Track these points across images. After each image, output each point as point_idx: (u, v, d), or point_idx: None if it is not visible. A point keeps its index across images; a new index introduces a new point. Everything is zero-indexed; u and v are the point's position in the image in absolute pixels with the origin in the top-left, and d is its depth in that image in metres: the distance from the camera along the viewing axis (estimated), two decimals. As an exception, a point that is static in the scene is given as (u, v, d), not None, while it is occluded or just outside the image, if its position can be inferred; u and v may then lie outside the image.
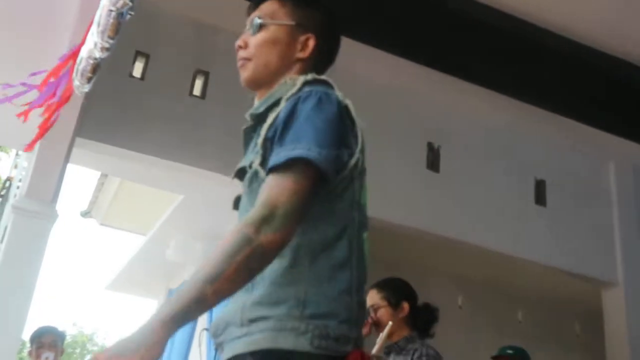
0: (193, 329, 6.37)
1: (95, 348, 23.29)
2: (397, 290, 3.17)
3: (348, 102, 1.50)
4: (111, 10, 2.64)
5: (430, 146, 5.25)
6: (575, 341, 7.48)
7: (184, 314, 1.23)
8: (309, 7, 1.65)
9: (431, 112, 5.31)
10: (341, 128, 1.42)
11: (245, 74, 1.62)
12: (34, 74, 3.57)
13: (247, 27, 1.66)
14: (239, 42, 1.64)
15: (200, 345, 4.93)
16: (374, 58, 4.74)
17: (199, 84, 4.83)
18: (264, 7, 1.66)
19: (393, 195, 4.90)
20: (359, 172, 1.47)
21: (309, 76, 1.50)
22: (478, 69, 4.83)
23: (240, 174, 1.49)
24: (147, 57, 4.72)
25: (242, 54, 1.63)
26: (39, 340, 4.36)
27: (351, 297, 1.37)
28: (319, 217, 1.37)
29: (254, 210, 1.28)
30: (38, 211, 3.99)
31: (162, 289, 8.03)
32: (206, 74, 4.86)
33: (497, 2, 4.42)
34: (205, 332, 5.36)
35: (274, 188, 1.30)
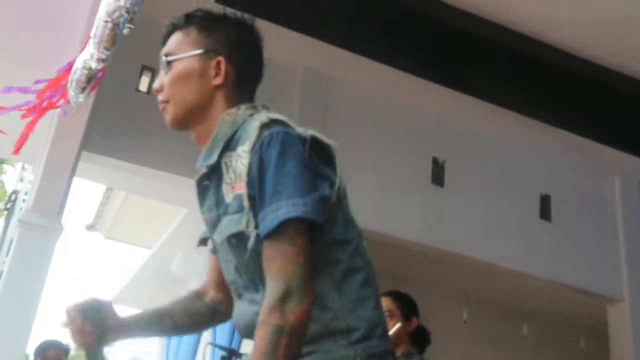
0: (197, 344, 6.35)
1: (98, 362, 23.24)
2: (410, 305, 3.24)
3: (311, 132, 1.42)
4: (107, 22, 2.65)
5: (435, 161, 5.25)
6: (580, 357, 7.44)
7: None
8: (213, 29, 1.55)
9: (436, 127, 5.32)
10: (311, 166, 1.36)
11: (167, 117, 1.55)
12: (38, 82, 3.58)
13: (160, 67, 1.57)
14: (155, 86, 1.56)
15: (204, 358, 4.91)
16: (379, 73, 4.75)
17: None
18: (170, 43, 1.58)
19: (398, 210, 4.90)
20: (343, 191, 1.44)
21: (264, 117, 1.40)
22: (484, 84, 4.84)
23: (233, 238, 1.40)
24: (153, 71, 4.74)
25: (160, 97, 1.55)
26: (43, 354, 4.36)
27: (379, 311, 1.40)
28: (326, 251, 1.37)
29: (269, 292, 1.27)
30: (44, 225, 4.00)
31: (167, 303, 8.02)
32: (212, 88, 4.88)
33: (503, 19, 4.44)
34: (209, 347, 5.32)
35: (278, 260, 1.28)
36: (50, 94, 3.48)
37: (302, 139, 1.38)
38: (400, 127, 5.15)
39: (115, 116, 4.53)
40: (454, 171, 5.29)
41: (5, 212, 13.79)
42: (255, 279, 1.39)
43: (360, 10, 4.32)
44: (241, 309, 1.47)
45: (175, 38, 1.58)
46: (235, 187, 1.38)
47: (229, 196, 1.41)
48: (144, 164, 4.57)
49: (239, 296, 1.47)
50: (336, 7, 4.35)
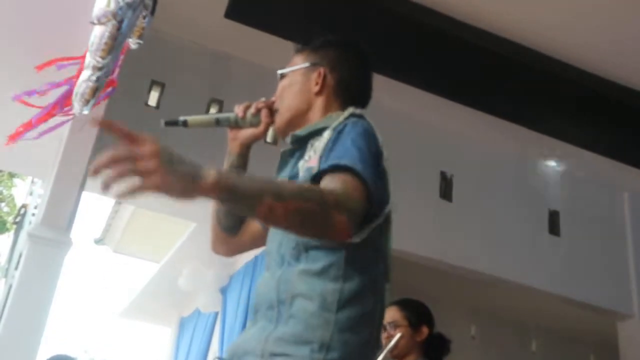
0: (205, 357, 6.35)
1: (106, 376, 23.19)
2: (419, 313, 3.07)
3: (384, 150, 1.52)
4: (94, 24, 2.67)
5: (443, 175, 5.25)
6: (591, 373, 7.38)
7: (231, 190, 1.26)
8: (323, 48, 1.73)
9: (444, 141, 5.32)
10: (380, 164, 1.45)
11: (276, 125, 1.69)
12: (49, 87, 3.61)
13: None
14: (274, 96, 1.72)
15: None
16: (386, 87, 4.76)
17: (213, 112, 4.87)
18: (289, 63, 1.77)
19: (406, 224, 4.88)
20: (389, 222, 1.49)
21: (357, 110, 1.56)
22: (492, 98, 4.85)
23: None
24: (162, 86, 4.77)
25: (274, 105, 1.70)
26: (52, 368, 4.36)
27: (371, 350, 1.40)
28: (351, 265, 1.38)
29: (337, 187, 1.31)
30: (53, 239, 4.02)
31: (175, 316, 8.02)
32: (220, 103, 4.91)
33: (512, 34, 4.44)
34: (217, 361, 5.24)
35: (344, 182, 1.33)
36: (59, 106, 3.51)
37: (379, 141, 1.50)
38: (408, 141, 5.16)
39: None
40: (462, 186, 5.29)
41: (15, 226, 13.85)
42: (286, 253, 1.44)
43: (367, 24, 4.34)
44: (264, 279, 1.51)
45: (293, 60, 1.78)
46: (310, 161, 1.48)
47: (302, 170, 1.51)
48: (152, 178, 4.58)
49: (268, 269, 1.53)
50: (343, 20, 4.37)
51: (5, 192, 13.63)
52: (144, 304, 8.24)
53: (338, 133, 1.46)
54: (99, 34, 2.73)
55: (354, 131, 1.45)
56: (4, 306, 4.29)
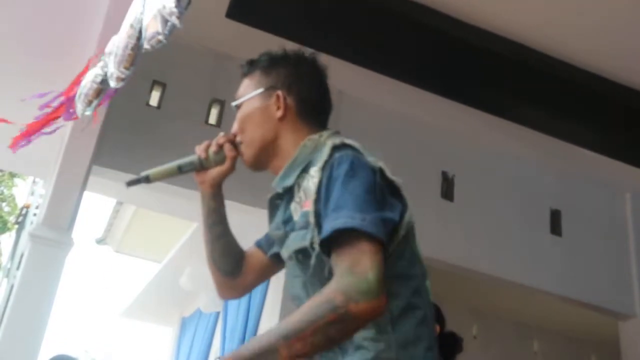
0: (206, 357, 6.35)
1: (107, 376, 23.19)
2: None
3: (381, 164, 1.46)
4: (129, 43, 2.67)
5: (444, 175, 5.25)
6: (592, 373, 7.38)
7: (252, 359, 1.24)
8: (272, 68, 1.64)
9: (446, 141, 5.32)
10: (378, 191, 1.39)
11: (244, 159, 1.63)
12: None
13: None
14: (233, 129, 1.65)
15: (213, 374, 4.88)
16: (388, 87, 4.77)
17: (214, 112, 4.88)
18: (239, 90, 1.68)
19: (407, 224, 4.89)
20: (411, 227, 1.49)
21: (337, 140, 1.48)
22: (494, 98, 4.84)
23: (299, 253, 1.44)
24: (163, 86, 4.77)
25: (236, 140, 1.64)
26: (53, 368, 4.35)
27: (433, 352, 1.40)
28: (390, 282, 1.35)
29: (342, 275, 1.25)
30: (54, 239, 4.02)
31: (176, 316, 8.02)
32: (222, 103, 4.91)
33: (513, 34, 4.44)
34: (218, 361, 5.23)
35: (353, 253, 1.27)
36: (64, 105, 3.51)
37: (371, 167, 1.41)
38: (409, 141, 5.16)
39: (125, 130, 4.56)
40: (463, 185, 5.29)
41: (16, 226, 13.86)
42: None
43: (370, 25, 4.34)
44: None
45: (243, 84, 1.67)
46: (303, 205, 1.43)
47: (296, 214, 1.46)
48: (154, 178, 4.59)
49: None
50: (345, 22, 4.37)
51: (6, 191, 13.65)
52: (145, 303, 8.25)
53: (328, 179, 1.38)
54: (122, 45, 2.72)
55: (341, 173, 1.36)
56: (5, 306, 4.29)
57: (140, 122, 4.65)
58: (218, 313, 6.39)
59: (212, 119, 4.86)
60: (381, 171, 1.44)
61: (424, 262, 1.50)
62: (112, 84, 2.80)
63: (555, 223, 5.61)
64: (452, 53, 4.52)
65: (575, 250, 5.57)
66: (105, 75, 2.90)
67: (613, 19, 4.27)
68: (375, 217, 1.31)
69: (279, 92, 1.58)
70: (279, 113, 1.57)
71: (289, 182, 1.51)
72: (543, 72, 4.62)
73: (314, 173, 1.43)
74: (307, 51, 1.72)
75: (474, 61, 4.55)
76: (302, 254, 1.43)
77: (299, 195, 1.47)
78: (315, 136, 1.56)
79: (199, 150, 1.67)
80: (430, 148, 5.26)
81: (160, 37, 2.39)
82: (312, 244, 1.38)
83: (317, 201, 1.38)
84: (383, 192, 1.41)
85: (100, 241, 8.25)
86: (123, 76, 2.72)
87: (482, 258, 5.14)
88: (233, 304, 5.93)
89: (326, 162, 1.41)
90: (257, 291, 5.22)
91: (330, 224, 1.30)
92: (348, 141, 1.48)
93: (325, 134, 1.57)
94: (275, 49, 1.73)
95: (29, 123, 3.56)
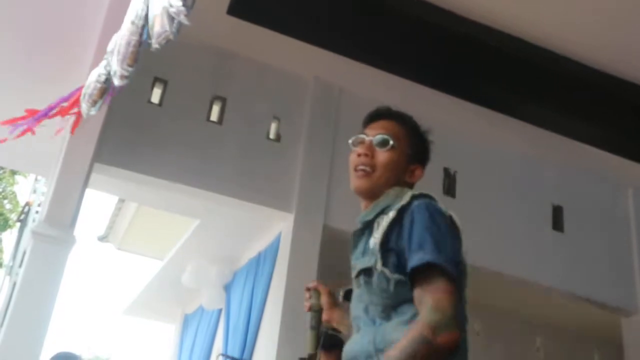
0: (209, 354, 6.35)
1: (110, 373, 23.23)
2: None
3: (451, 213, 1.77)
4: (131, 40, 2.66)
5: (446, 172, 5.25)
6: (595, 369, 7.36)
7: None
8: (419, 140, 1.95)
9: (448, 138, 5.29)
10: (452, 236, 1.70)
11: (364, 184, 1.85)
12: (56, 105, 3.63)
13: (368, 137, 1.91)
14: (363, 150, 1.88)
15: (216, 371, 4.87)
16: (390, 84, 4.76)
17: (216, 109, 4.87)
18: (390, 127, 1.92)
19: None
20: (464, 266, 1.76)
21: (416, 191, 1.76)
22: (496, 95, 4.84)
23: (363, 273, 1.72)
24: (165, 83, 4.77)
25: (365, 161, 1.86)
26: (56, 366, 4.35)
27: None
28: None
29: (425, 315, 1.53)
30: (56, 236, 4.02)
31: (178, 313, 8.02)
32: (223, 100, 4.91)
33: (517, 31, 4.44)
34: (221, 357, 5.32)
35: (434, 293, 1.56)
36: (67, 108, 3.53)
37: (444, 214, 1.73)
38: (411, 138, 5.14)
39: (127, 128, 4.56)
40: (465, 182, 5.28)
41: (18, 224, 13.87)
42: (376, 316, 1.69)
43: (372, 22, 4.34)
44: (355, 339, 1.74)
45: (396, 126, 1.93)
46: (375, 236, 1.72)
47: (373, 247, 1.72)
48: (155, 175, 4.59)
49: (358, 330, 1.76)
50: (347, 19, 4.36)
51: (7, 189, 13.66)
52: (147, 301, 8.24)
53: (410, 222, 1.66)
54: (124, 42, 2.72)
55: (422, 217, 1.66)
56: (8, 304, 4.29)
57: (142, 120, 4.65)
58: (220, 310, 6.39)
59: (214, 116, 4.86)
60: (451, 218, 1.75)
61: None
62: (116, 82, 2.80)
63: (557, 219, 5.61)
64: (453, 49, 4.51)
65: (577, 246, 5.56)
66: (109, 74, 2.89)
67: (615, 16, 4.26)
68: (451, 258, 1.62)
69: (418, 167, 1.92)
70: (409, 179, 1.89)
71: (368, 217, 1.78)
72: (545, 69, 4.61)
73: (390, 213, 1.71)
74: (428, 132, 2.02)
75: (476, 57, 4.54)
76: (365, 274, 1.70)
77: (377, 231, 1.72)
78: (398, 188, 1.84)
79: (305, 307, 2.03)
80: (432, 145, 5.24)
81: (170, 35, 2.39)
82: (375, 264, 1.67)
83: (385, 234, 1.68)
84: (452, 236, 1.71)
85: (102, 239, 8.25)
86: (127, 74, 2.72)
87: (484, 254, 5.13)
88: (235, 301, 5.93)
89: (404, 206, 1.70)
90: (259, 288, 5.23)
91: (419, 257, 1.59)
92: (425, 192, 1.77)
93: (406, 189, 1.84)
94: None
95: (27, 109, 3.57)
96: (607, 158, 5.38)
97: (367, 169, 1.84)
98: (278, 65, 5.14)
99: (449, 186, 5.20)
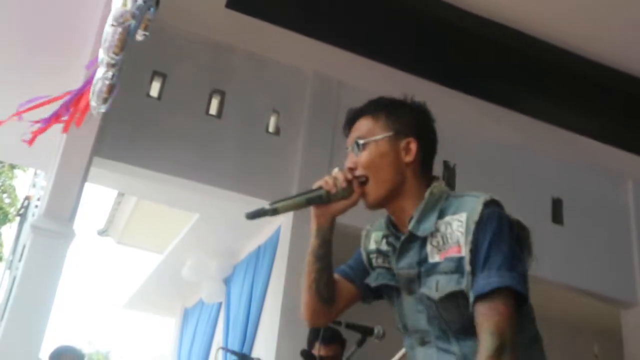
0: (209, 347, 6.36)
1: (111, 367, 23.31)
2: None
3: (515, 218, 1.67)
4: (114, 26, 2.67)
5: (446, 165, 5.24)
6: (594, 362, 7.38)
7: None
8: (400, 114, 1.77)
9: (447, 131, 5.27)
10: (517, 247, 1.63)
11: (370, 197, 1.71)
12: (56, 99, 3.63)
13: (349, 148, 1.76)
14: (348, 165, 1.73)
15: (216, 364, 4.88)
16: (389, 77, 4.75)
17: (215, 103, 4.87)
18: (361, 127, 1.76)
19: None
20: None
21: (487, 197, 1.64)
22: (495, 87, 4.84)
23: (452, 295, 1.59)
24: (164, 76, 4.76)
25: (356, 173, 1.71)
26: (57, 359, 4.36)
27: None
28: (520, 321, 1.59)
29: (486, 343, 1.48)
30: (56, 230, 4.01)
31: (179, 307, 8.04)
32: (222, 94, 4.90)
33: (516, 23, 4.43)
34: (221, 351, 5.31)
35: (494, 317, 1.51)
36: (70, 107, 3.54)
37: (511, 222, 1.63)
38: (410, 131, 5.14)
39: (126, 122, 4.55)
40: (465, 175, 5.28)
41: (18, 218, 13.88)
42: (448, 331, 1.61)
43: (371, 14, 4.33)
44: (429, 356, 1.66)
45: (365, 123, 1.76)
46: (448, 250, 1.60)
47: (433, 257, 1.63)
48: (155, 169, 4.59)
49: (424, 343, 1.68)
50: (347, 12, 4.35)
51: (6, 183, 13.67)
52: (147, 295, 8.26)
53: (480, 236, 1.56)
54: (111, 30, 2.72)
55: (492, 231, 1.57)
56: (8, 298, 4.30)
57: (141, 113, 4.64)
58: (220, 304, 6.40)
59: (213, 110, 4.85)
60: (518, 224, 1.67)
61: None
62: (103, 70, 2.80)
63: (557, 212, 5.61)
64: (452, 42, 4.50)
65: (577, 238, 5.56)
66: (102, 63, 2.91)
67: (614, 8, 4.25)
68: (521, 273, 1.59)
69: (411, 139, 1.73)
70: (409, 158, 1.72)
71: (429, 227, 1.65)
72: (544, 61, 4.60)
73: (457, 222, 1.61)
74: (421, 101, 1.87)
75: (475, 50, 4.53)
76: (455, 296, 1.58)
77: (435, 240, 1.63)
78: (436, 183, 1.74)
79: (327, 185, 1.70)
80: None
81: (128, 16, 2.39)
82: (467, 288, 1.56)
83: (472, 251, 1.56)
84: (520, 247, 1.65)
85: (102, 233, 8.25)
86: (113, 62, 2.72)
87: (484, 247, 5.13)
88: (235, 294, 5.94)
89: (479, 217, 1.58)
90: (259, 282, 5.23)
91: (484, 282, 1.53)
92: (493, 197, 1.66)
93: (438, 181, 1.76)
94: (389, 94, 1.86)
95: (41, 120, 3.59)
96: (607, 151, 5.37)
97: (361, 179, 1.70)
98: (277, 58, 5.13)
99: (449, 179, 5.20)
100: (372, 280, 1.80)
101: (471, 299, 1.54)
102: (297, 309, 4.98)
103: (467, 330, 1.56)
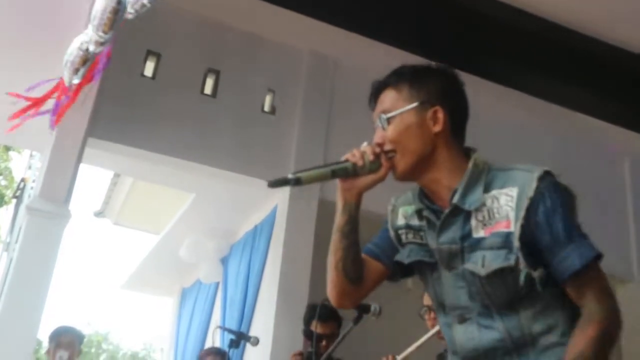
0: (207, 326, 6.39)
1: (110, 347, 23.40)
2: None
3: (566, 184, 1.63)
4: (109, 7, 2.64)
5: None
6: (591, 338, 7.43)
7: None
8: (422, 82, 1.69)
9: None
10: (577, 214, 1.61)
11: (398, 169, 1.65)
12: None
13: (376, 123, 1.69)
14: (376, 140, 1.66)
15: (213, 342, 4.92)
16: (385, 55, 4.72)
17: (210, 82, 4.84)
18: (384, 101, 1.69)
19: (400, 189, 4.88)
20: None
21: (541, 171, 1.60)
22: (493, 65, 4.81)
23: (500, 271, 1.55)
24: (158, 56, 4.73)
25: (384, 148, 1.65)
26: (57, 339, 4.37)
27: None
28: (562, 293, 1.57)
29: (595, 309, 1.52)
30: (51, 211, 4.01)
31: (176, 287, 8.05)
32: (217, 73, 4.87)
33: (515, 0, 4.40)
34: (219, 330, 5.30)
35: (596, 287, 1.56)
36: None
37: (571, 192, 1.63)
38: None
39: (120, 102, 4.53)
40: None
41: (14, 200, 13.84)
42: (491, 307, 1.56)
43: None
44: (469, 333, 1.61)
45: (389, 95, 1.69)
46: (495, 225, 1.56)
47: (478, 232, 1.58)
48: (150, 149, 4.57)
49: (463, 320, 1.62)
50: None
51: (2, 165, 13.61)
52: (145, 275, 8.26)
53: (546, 210, 1.54)
54: (100, 8, 2.69)
55: (558, 204, 1.56)
56: (5, 279, 4.30)
57: (135, 93, 4.61)
58: (218, 283, 6.41)
59: (208, 89, 4.83)
60: (569, 190, 1.64)
61: None
62: (91, 48, 2.78)
63: (554, 189, 5.61)
64: (450, 20, 4.47)
65: (574, 215, 5.57)
66: (90, 41, 2.87)
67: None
68: (590, 240, 1.57)
69: (437, 108, 1.66)
70: (437, 128, 1.65)
71: (476, 200, 1.59)
72: (542, 38, 4.58)
73: (504, 197, 1.57)
74: (446, 65, 1.78)
75: (473, 28, 4.50)
76: (502, 272, 1.54)
77: (481, 214, 1.58)
78: (476, 155, 1.71)
79: (354, 157, 1.63)
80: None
81: (145, 1, 2.35)
82: (517, 264, 1.52)
83: (523, 226, 1.52)
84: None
85: (98, 214, 8.24)
86: (102, 40, 2.70)
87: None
88: (232, 274, 5.95)
89: (535, 194, 1.55)
90: (256, 261, 5.24)
91: (575, 255, 1.53)
92: (547, 169, 1.62)
93: (475, 154, 1.73)
94: (414, 61, 1.77)
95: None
96: (605, 128, 5.36)
97: (389, 154, 1.64)
98: (272, 37, 5.09)
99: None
100: (405, 257, 1.72)
101: (564, 275, 1.53)
102: (294, 288, 4.99)
103: (512, 306, 1.54)
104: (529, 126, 5.67)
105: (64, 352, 4.28)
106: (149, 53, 4.70)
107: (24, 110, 3.83)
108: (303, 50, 5.15)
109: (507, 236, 1.53)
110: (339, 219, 1.69)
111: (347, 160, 1.63)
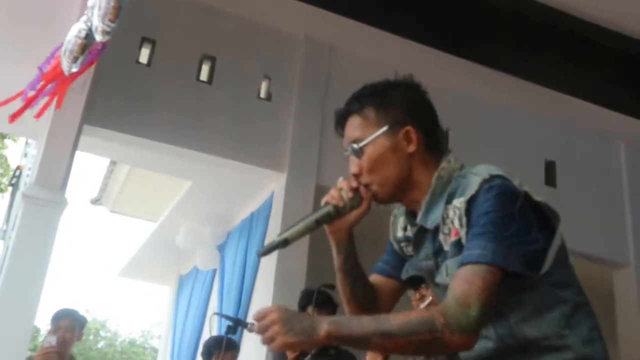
0: (204, 313, 6.40)
1: (108, 334, 23.43)
2: None
3: (525, 188, 1.55)
4: None
5: (439, 129, 5.22)
6: (587, 322, 7.47)
7: (343, 338, 1.38)
8: (388, 103, 1.62)
9: (439, 94, 5.24)
10: (519, 220, 1.48)
11: (379, 198, 1.62)
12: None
13: (348, 151, 1.63)
14: (353, 171, 1.61)
15: (211, 330, 4.94)
16: (381, 40, 4.71)
17: (205, 69, 4.82)
18: (353, 130, 1.63)
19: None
20: (563, 247, 1.59)
21: (485, 174, 1.53)
22: (487, 50, 4.79)
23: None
24: (153, 43, 4.71)
25: (362, 181, 1.61)
26: (55, 323, 4.34)
27: (602, 338, 1.59)
28: (555, 291, 1.52)
29: (450, 302, 1.38)
30: (47, 198, 4.00)
31: (173, 274, 8.06)
32: (213, 59, 4.85)
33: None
34: (216, 317, 5.30)
35: (464, 285, 1.40)
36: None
37: (516, 194, 1.53)
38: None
39: (116, 89, 4.51)
40: (457, 139, 5.21)
41: (10, 188, 13.81)
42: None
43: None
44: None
45: (356, 123, 1.63)
46: (451, 235, 1.51)
47: (446, 244, 1.53)
48: (146, 136, 4.56)
49: None
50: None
51: (-3, 153, 13.57)
52: (142, 262, 8.28)
53: (480, 215, 1.47)
54: None
55: (486, 202, 1.47)
56: (2, 267, 4.30)
57: (131, 80, 4.60)
58: (215, 270, 6.42)
59: (203, 76, 4.81)
60: (526, 196, 1.55)
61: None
62: (98, 37, 2.75)
63: (550, 174, 5.61)
64: (444, 4, 4.45)
65: (570, 201, 5.57)
66: (90, 29, 2.84)
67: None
68: (511, 248, 1.43)
69: (408, 128, 1.59)
70: (412, 148, 1.59)
71: (437, 218, 1.55)
72: (536, 22, 4.56)
73: (459, 204, 1.50)
74: (406, 76, 1.71)
75: (469, 13, 4.48)
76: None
77: (446, 227, 1.53)
78: (444, 164, 1.61)
79: (334, 199, 1.60)
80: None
81: None
82: None
83: (467, 231, 1.47)
84: (527, 219, 1.51)
85: (95, 201, 8.24)
86: (108, 29, 2.68)
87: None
88: (229, 261, 5.95)
89: (474, 195, 1.49)
90: (253, 248, 5.24)
91: (467, 254, 1.43)
92: (495, 172, 1.54)
93: (451, 158, 1.63)
94: (375, 78, 1.71)
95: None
96: (600, 113, 5.36)
97: (365, 186, 1.60)
98: (268, 23, 5.07)
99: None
100: (403, 273, 1.70)
101: (460, 263, 1.46)
102: (290, 275, 4.99)
103: (498, 310, 1.48)
104: (523, 111, 5.66)
105: (52, 337, 4.19)
106: (144, 40, 4.68)
107: (25, 106, 3.83)
108: (299, 36, 5.13)
109: (458, 243, 1.49)
110: (336, 259, 1.68)
111: (327, 204, 1.60)
